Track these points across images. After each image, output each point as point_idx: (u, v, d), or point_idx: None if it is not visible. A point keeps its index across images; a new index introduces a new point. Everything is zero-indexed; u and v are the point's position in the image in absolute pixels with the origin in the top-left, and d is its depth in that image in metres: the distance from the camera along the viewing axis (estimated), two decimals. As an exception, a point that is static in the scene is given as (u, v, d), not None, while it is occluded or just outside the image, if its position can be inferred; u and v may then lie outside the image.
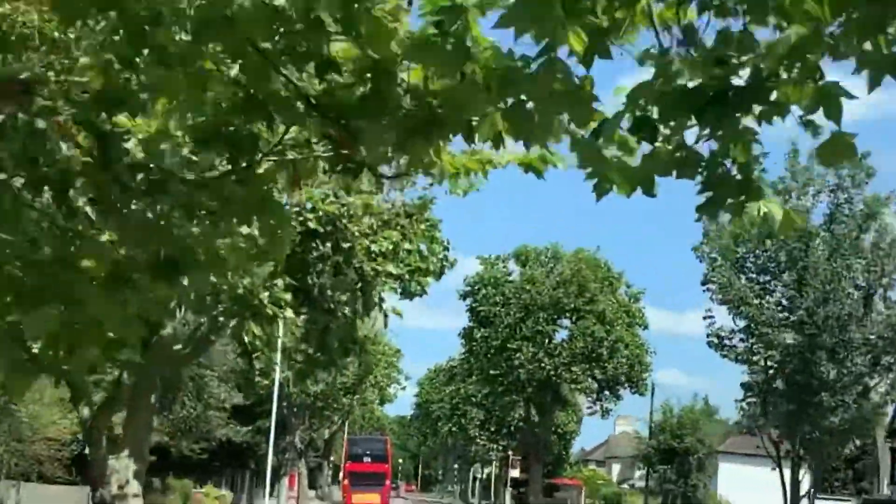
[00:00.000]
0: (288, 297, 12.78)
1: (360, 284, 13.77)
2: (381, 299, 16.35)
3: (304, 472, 63.15)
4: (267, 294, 12.50)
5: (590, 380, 48.59)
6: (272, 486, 61.12)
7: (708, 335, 36.77)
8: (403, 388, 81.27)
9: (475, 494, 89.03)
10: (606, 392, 50.29)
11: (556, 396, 51.15)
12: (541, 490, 53.04)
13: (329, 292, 13.99)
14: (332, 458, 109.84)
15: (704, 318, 36.59)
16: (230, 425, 46.48)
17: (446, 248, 17.06)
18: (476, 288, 52.09)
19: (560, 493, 68.88)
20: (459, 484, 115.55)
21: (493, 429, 66.21)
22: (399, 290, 16.94)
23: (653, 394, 52.47)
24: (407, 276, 16.57)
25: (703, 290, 36.33)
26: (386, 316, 17.50)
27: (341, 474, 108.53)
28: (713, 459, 50.12)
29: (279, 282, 13.02)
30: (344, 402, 54.58)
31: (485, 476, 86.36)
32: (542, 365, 48.99)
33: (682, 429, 49.42)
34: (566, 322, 50.52)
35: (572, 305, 49.46)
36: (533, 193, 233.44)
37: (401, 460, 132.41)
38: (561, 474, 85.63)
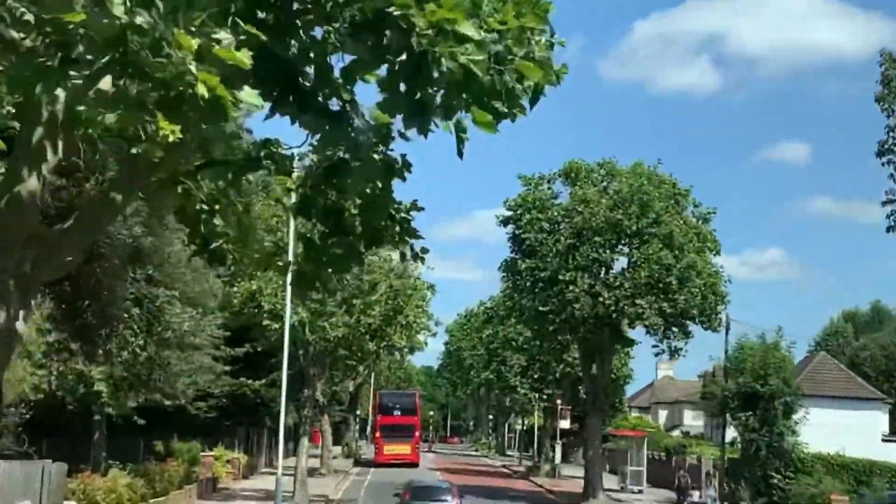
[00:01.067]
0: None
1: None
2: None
3: (327, 429, 56.39)
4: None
5: (654, 315, 41.22)
6: (289, 443, 54.32)
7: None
8: (434, 335, 74.44)
9: (515, 447, 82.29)
10: (674, 329, 42.91)
11: (616, 335, 43.85)
12: (600, 443, 45.97)
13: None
14: (358, 412, 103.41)
15: (885, 202, 29.22)
16: (223, 377, 39.20)
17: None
18: (518, 213, 44.64)
19: (620, 445, 62.25)
20: (495, 436, 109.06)
21: (536, 376, 59.17)
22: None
23: (728, 330, 45.19)
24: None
25: (883, 164, 28.98)
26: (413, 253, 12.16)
27: (368, 428, 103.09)
28: (799, 403, 42.76)
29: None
30: (370, 347, 47.44)
31: (525, 427, 79.45)
32: (601, 299, 41.69)
33: (766, 369, 42.11)
34: (627, 248, 43.10)
35: (634, 228, 41.99)
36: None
37: (431, 412, 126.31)
38: (616, 425, 78.82)
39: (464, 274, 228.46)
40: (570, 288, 42.23)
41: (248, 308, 37.10)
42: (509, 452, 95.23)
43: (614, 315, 41.89)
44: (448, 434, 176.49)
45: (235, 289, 37.01)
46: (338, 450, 79.53)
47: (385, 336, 40.13)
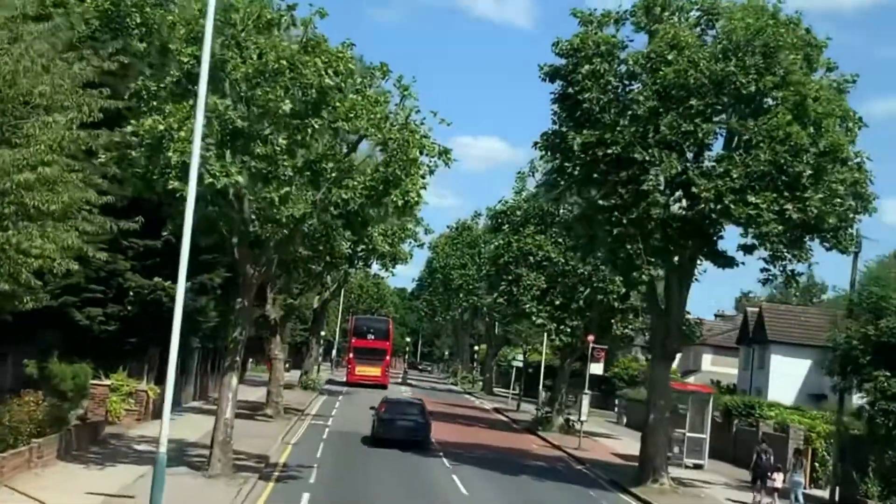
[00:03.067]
0: None
1: None
2: None
3: (279, 355, 42.47)
4: None
5: (772, 220, 27.12)
6: (183, 373, 39.75)
7: None
8: (421, 245, 60.43)
9: (510, 386, 68.78)
10: (799, 242, 28.91)
11: (708, 248, 29.93)
12: (668, 403, 32.31)
13: None
14: (323, 333, 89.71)
15: None
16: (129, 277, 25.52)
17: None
18: (573, 62, 30.22)
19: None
20: (480, 371, 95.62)
21: (557, 302, 45.32)
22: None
23: (858, 252, 31.39)
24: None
25: None
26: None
27: (334, 352, 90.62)
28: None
29: None
30: (342, 247, 33.70)
31: (528, 364, 65.85)
32: (694, 190, 27.67)
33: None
34: (736, 118, 28.81)
35: (751, 88, 27.79)
36: None
37: (407, 339, 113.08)
38: (622, 367, 65.38)
39: (441, 200, 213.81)
40: (650, 174, 28.16)
41: (146, 157, 22.86)
42: (497, 390, 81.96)
43: (713, 216, 27.86)
44: (417, 361, 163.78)
45: (131, 128, 22.64)
46: (296, 377, 65.81)
47: (366, 223, 25.94)
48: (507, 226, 48.58)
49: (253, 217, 24.89)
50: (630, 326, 45.27)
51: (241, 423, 35.42)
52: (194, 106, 20.84)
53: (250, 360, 71.32)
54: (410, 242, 56.85)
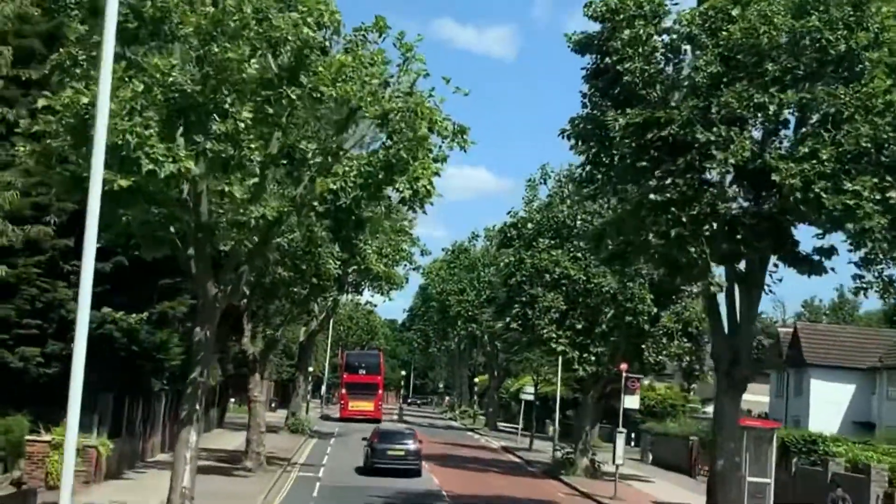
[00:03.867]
0: None
1: None
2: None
3: (259, 395, 36.29)
4: None
5: (875, 213, 21.33)
6: (147, 422, 32.96)
7: None
8: (417, 269, 54.72)
9: (518, 420, 62.59)
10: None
11: (788, 249, 24.09)
12: (739, 443, 26.34)
13: None
14: (311, 369, 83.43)
15: None
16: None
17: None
18: (606, 29, 24.56)
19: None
20: (479, 404, 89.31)
21: (579, 326, 39.49)
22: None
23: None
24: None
25: None
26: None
27: (324, 388, 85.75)
28: None
29: None
30: (330, 266, 27.96)
31: (539, 397, 59.82)
32: (776, 177, 21.88)
33: None
34: (821, 87, 23.04)
35: (841, 47, 22.13)
36: None
37: (403, 372, 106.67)
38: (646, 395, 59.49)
39: (428, 230, 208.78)
40: (715, 158, 22.41)
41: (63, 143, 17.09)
42: (502, 426, 75.73)
43: (800, 208, 22.06)
44: (409, 394, 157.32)
45: (43, 102, 16.78)
46: (281, 415, 59.56)
47: (361, 224, 20.01)
48: (517, 241, 42.67)
49: (214, 220, 18.95)
50: (665, 352, 39.34)
51: (213, 480, 29.41)
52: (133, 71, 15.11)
53: (231, 400, 65.07)
54: (405, 265, 51.59)
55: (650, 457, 52.48)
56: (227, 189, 16.99)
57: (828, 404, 51.47)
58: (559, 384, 51.29)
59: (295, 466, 37.67)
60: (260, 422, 34.60)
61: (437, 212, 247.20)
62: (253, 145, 17.17)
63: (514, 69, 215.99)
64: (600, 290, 39.17)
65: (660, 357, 39.56)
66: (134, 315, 27.41)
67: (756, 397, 60.90)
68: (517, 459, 49.56)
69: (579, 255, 40.12)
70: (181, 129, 17.03)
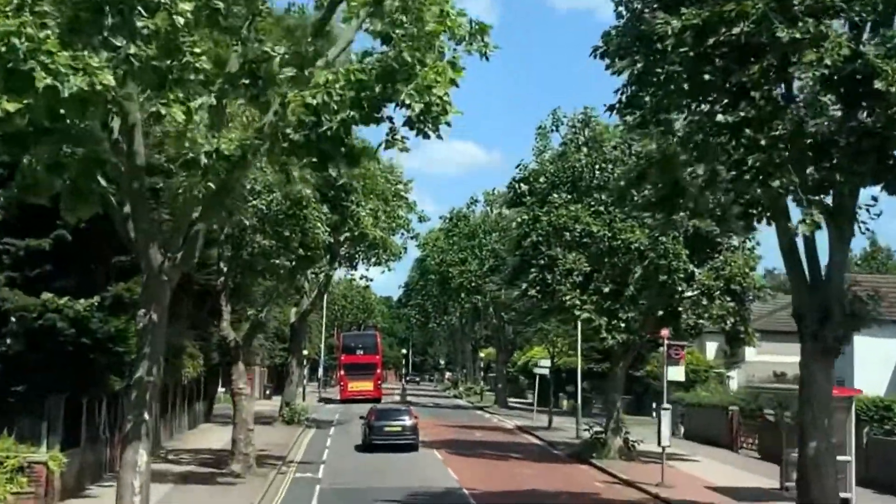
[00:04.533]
0: None
1: None
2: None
3: (244, 388, 31.32)
4: None
5: None
6: (111, 429, 26.57)
7: None
8: (414, 237, 49.86)
9: (533, 396, 57.70)
10: None
11: (890, 171, 19.13)
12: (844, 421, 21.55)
13: None
14: (305, 352, 78.59)
15: None
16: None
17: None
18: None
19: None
20: (484, 380, 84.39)
21: (606, 289, 34.78)
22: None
23: None
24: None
25: None
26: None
27: (321, 370, 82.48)
28: None
29: None
30: (320, 231, 23.08)
31: (557, 370, 55.08)
32: (879, 85, 16.95)
33: None
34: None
35: None
36: None
37: (403, 351, 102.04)
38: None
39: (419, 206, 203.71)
40: (800, 63, 17.47)
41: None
42: (512, 402, 71.02)
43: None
44: (408, 372, 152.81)
45: None
46: (276, 401, 54.84)
47: (355, 158, 14.87)
48: (529, 197, 37.74)
49: (153, 161, 13.98)
50: (707, 314, 34.52)
51: (192, 491, 24.65)
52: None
53: (221, 390, 60.24)
54: (402, 234, 46.73)
55: (682, 429, 47.78)
56: (164, 112, 11.98)
57: (875, 363, 46.75)
58: (580, 355, 46.68)
59: (291, 466, 32.85)
60: (246, 417, 29.71)
61: (425, 187, 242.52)
62: (197, 49, 12.17)
63: (496, 38, 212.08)
64: (628, 247, 34.32)
65: (700, 320, 34.73)
66: (82, 301, 22.46)
67: (778, 358, 56.31)
68: (537, 441, 44.82)
69: (602, 208, 35.28)
70: (94, 29, 11.98)
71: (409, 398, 74.66)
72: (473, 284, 65.76)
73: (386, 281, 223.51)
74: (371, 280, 50.53)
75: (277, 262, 26.40)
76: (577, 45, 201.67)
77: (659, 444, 30.19)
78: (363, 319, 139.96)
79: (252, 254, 26.73)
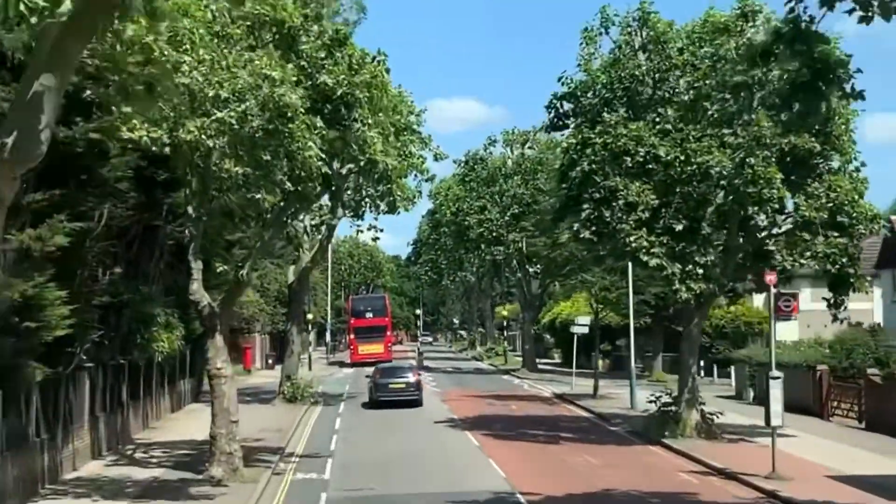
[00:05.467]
0: None
1: None
2: None
3: (221, 370, 24.18)
4: None
5: None
6: (56, 420, 18.23)
7: None
8: (430, 179, 42.98)
9: (565, 357, 50.50)
10: None
11: None
12: None
13: None
14: (309, 316, 71.62)
15: None
16: None
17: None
18: None
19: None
20: (504, 339, 77.00)
21: (679, 227, 27.70)
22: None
23: None
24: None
25: None
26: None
27: (328, 335, 76.39)
28: None
29: None
30: (311, 154, 15.70)
31: (601, 326, 48.00)
32: None
33: None
34: None
35: None
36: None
37: (417, 312, 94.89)
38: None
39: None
40: None
41: None
42: (541, 364, 64.08)
43: None
44: (421, 331, 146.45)
45: None
46: (276, 372, 47.98)
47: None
48: (576, 117, 30.47)
49: None
50: (810, 253, 27.34)
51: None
52: None
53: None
54: (415, 176, 39.71)
55: (750, 393, 40.84)
56: None
57: None
58: (631, 309, 39.69)
59: (290, 462, 25.92)
60: (228, 406, 22.69)
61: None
62: None
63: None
64: (706, 172, 27.13)
65: (801, 260, 27.54)
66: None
67: (861, 305, 49.20)
68: (585, 413, 37.89)
69: (669, 126, 28.11)
70: None
71: (427, 363, 67.89)
72: (494, 234, 58.52)
73: (393, 241, 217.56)
74: (381, 231, 43.09)
75: (258, 196, 19.22)
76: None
77: (767, 422, 23.18)
78: (371, 279, 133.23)
79: (222, 189, 19.60)
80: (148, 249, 27.29)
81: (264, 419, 33.84)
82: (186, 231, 22.33)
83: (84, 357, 23.58)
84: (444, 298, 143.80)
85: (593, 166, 28.06)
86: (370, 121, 22.29)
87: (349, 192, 39.19)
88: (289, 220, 24.28)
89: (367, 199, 36.74)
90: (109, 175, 22.19)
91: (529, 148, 60.61)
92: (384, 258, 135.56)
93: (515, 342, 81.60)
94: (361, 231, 44.98)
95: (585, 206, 28.05)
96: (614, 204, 27.68)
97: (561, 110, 30.97)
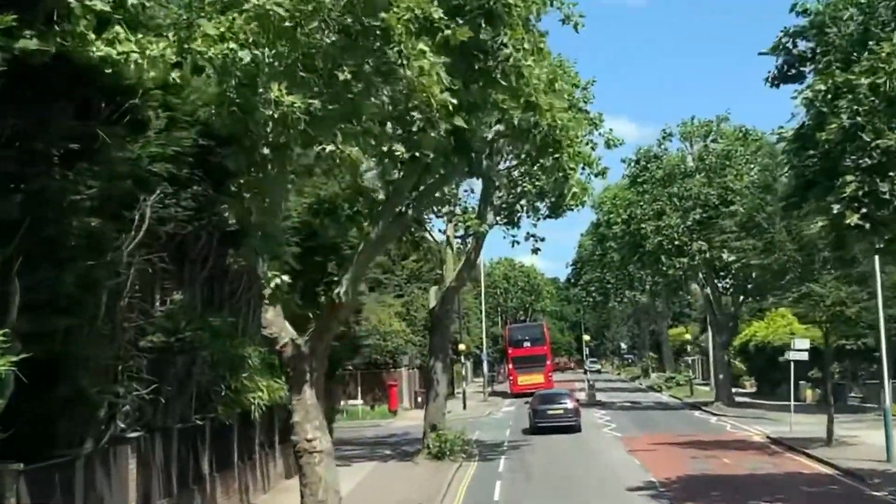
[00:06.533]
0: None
1: None
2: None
3: (318, 438, 16.03)
4: None
5: None
6: None
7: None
8: (603, 174, 34.07)
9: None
10: None
11: None
12: None
13: None
14: (461, 346, 63.52)
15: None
16: None
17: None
18: None
19: None
20: (700, 365, 65.86)
21: None
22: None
23: None
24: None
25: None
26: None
27: (485, 365, 69.26)
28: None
29: None
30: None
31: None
32: None
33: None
34: None
35: None
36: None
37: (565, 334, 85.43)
38: None
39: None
40: None
41: None
42: (740, 396, 54.00)
43: None
44: (585, 357, 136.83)
45: None
46: (417, 416, 39.81)
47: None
48: (812, 63, 21.42)
49: None
50: None
51: None
52: None
53: (349, 402, 46.12)
54: (585, 172, 31.41)
55: None
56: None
57: None
58: (882, 325, 30.06)
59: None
60: (326, 499, 14.65)
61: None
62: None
63: (646, 14, 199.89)
64: None
65: None
66: None
67: None
68: (826, 469, 28.03)
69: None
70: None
71: (600, 399, 58.88)
72: (676, 244, 49.11)
73: (550, 265, 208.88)
74: (542, 240, 34.76)
75: (333, 149, 11.07)
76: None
77: None
78: (529, 304, 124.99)
79: (277, 140, 11.58)
80: (220, 266, 19.65)
81: (401, 487, 25.89)
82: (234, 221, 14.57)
83: (124, 425, 16.17)
84: (608, 322, 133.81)
85: (858, 119, 18.88)
86: (526, 45, 13.95)
87: (499, 189, 31.08)
88: (410, 211, 16.12)
89: (523, 197, 28.70)
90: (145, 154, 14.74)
91: (713, 141, 51.11)
92: (542, 280, 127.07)
93: (697, 368, 71.49)
94: (518, 242, 36.85)
95: (850, 177, 18.86)
96: (893, 173, 18.50)
97: (795, 53, 21.88)
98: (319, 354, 15.32)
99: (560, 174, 17.05)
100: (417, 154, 13.23)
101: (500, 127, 16.06)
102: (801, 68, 21.99)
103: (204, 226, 17.71)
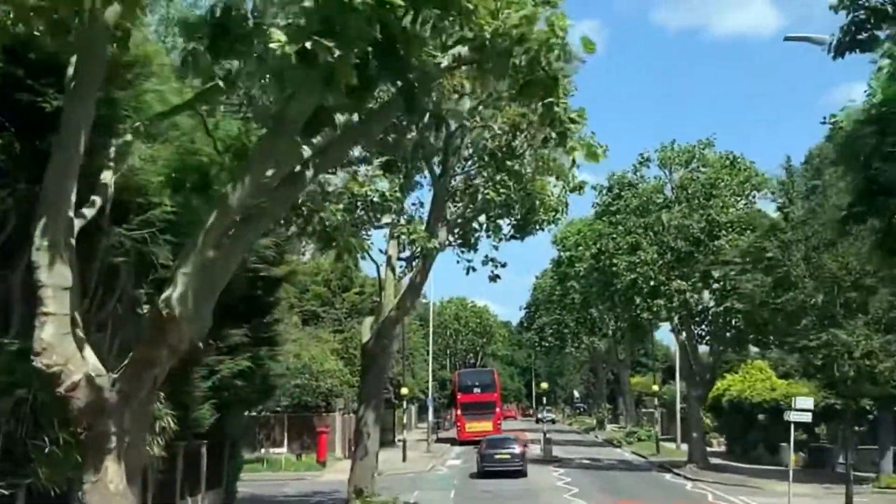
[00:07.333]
0: None
1: None
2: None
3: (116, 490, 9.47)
4: None
5: None
6: None
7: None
8: (577, 189, 28.36)
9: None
10: None
11: None
12: None
13: None
14: (403, 391, 56.82)
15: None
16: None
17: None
18: None
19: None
20: (685, 426, 59.30)
21: None
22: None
23: None
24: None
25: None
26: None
27: (430, 411, 62.59)
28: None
29: None
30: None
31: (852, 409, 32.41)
32: None
33: None
34: None
35: None
36: None
37: (543, 386, 79.47)
38: None
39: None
40: None
41: None
42: (712, 456, 47.76)
43: None
44: (534, 405, 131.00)
45: None
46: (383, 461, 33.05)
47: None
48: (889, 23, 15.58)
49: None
50: None
51: None
52: None
53: (253, 453, 39.34)
54: (555, 184, 25.73)
55: None
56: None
57: None
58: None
59: None
60: None
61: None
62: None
63: (604, 59, 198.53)
64: None
65: None
66: None
67: None
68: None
69: None
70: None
71: (557, 454, 52.47)
72: (652, 283, 43.07)
73: (502, 309, 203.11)
74: (503, 266, 28.56)
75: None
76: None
77: None
78: (481, 346, 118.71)
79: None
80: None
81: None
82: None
83: None
84: (560, 368, 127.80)
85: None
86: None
87: (455, 198, 25.28)
88: (309, 170, 9.45)
89: (483, 212, 22.61)
90: None
91: (696, 170, 45.42)
92: (496, 322, 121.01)
93: (661, 422, 65.44)
94: (473, 269, 30.55)
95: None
96: None
97: (868, 5, 15.99)
98: (137, 405, 8.92)
99: (554, 133, 10.91)
100: (312, 48, 7.03)
101: (462, 49, 9.85)
102: (875, 31, 16.13)
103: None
